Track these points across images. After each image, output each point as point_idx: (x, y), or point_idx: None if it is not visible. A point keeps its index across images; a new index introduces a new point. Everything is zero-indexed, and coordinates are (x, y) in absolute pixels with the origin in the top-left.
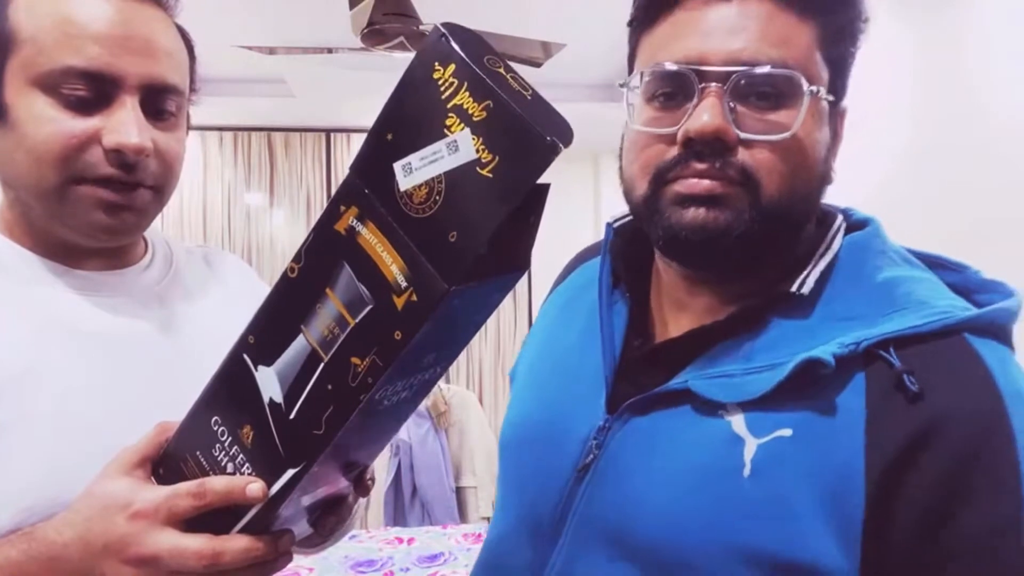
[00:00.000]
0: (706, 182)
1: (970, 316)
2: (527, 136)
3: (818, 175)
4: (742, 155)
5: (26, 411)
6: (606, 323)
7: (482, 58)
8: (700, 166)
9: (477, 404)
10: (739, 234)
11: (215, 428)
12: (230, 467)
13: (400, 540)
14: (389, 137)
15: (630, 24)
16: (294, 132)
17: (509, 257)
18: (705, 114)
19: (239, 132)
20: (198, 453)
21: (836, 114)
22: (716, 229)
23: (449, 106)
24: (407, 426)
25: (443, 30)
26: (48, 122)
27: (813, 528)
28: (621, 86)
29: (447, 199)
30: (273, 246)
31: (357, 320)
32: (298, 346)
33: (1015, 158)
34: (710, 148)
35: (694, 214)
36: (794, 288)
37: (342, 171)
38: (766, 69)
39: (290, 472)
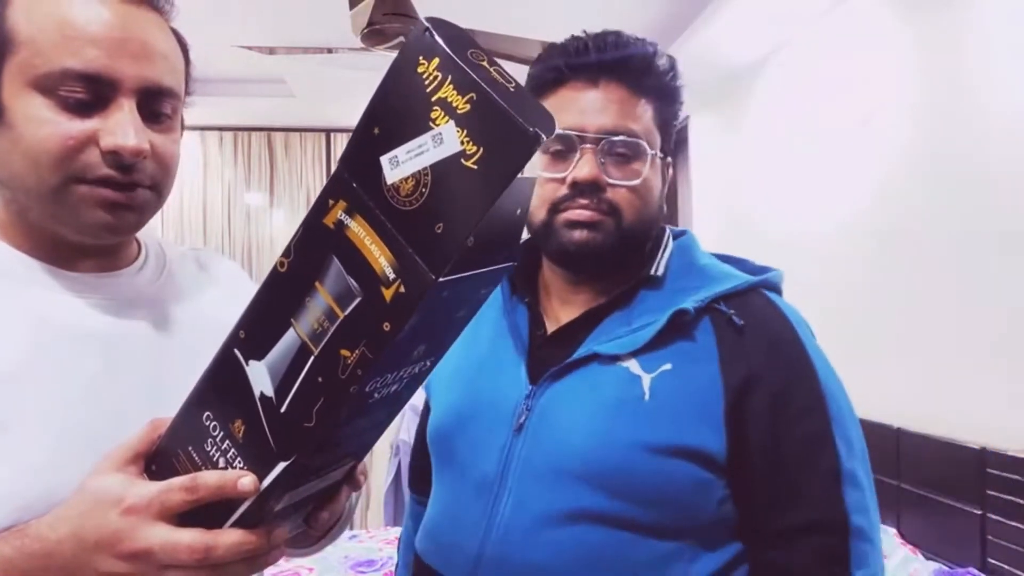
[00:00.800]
0: (587, 212)
1: (760, 279)
2: (510, 127)
3: (657, 207)
4: (610, 193)
5: (22, 411)
6: (511, 322)
7: (466, 52)
8: (583, 201)
9: None
10: (609, 248)
11: (207, 423)
12: (222, 462)
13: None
14: (376, 131)
15: None
16: (294, 132)
17: (497, 250)
18: (586, 166)
19: (239, 132)
20: (190, 448)
21: (665, 166)
22: (595, 244)
23: (434, 99)
24: (407, 426)
25: (427, 24)
26: (45, 123)
27: (694, 423)
28: None
29: (433, 191)
30: (273, 246)
31: (346, 313)
32: (288, 340)
33: (1015, 158)
34: (589, 189)
35: (579, 234)
36: (652, 271)
37: None
38: (623, 137)
39: (281, 465)
